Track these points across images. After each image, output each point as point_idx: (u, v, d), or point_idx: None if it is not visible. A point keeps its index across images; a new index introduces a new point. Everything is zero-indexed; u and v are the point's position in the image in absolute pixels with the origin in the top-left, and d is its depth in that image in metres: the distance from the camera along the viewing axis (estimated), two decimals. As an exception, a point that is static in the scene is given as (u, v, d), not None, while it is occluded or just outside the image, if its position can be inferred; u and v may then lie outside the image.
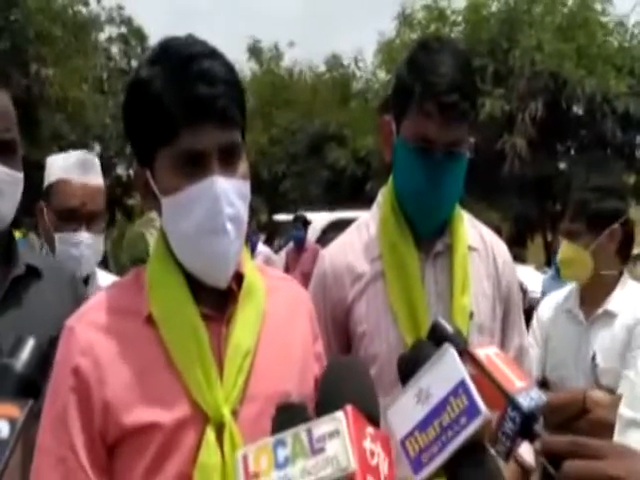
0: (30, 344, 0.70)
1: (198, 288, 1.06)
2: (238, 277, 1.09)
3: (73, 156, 2.00)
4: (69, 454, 0.99)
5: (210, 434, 0.99)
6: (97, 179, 1.99)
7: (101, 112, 13.85)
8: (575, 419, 1.98)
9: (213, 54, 1.02)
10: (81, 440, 1.00)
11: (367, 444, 0.68)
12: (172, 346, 1.02)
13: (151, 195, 1.05)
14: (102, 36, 15.35)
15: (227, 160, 1.01)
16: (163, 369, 1.01)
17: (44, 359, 0.71)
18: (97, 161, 2.05)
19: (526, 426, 0.77)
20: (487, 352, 0.82)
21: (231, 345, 1.04)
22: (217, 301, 1.07)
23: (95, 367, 1.01)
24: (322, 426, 0.68)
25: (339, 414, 0.69)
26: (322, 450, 0.67)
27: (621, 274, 2.19)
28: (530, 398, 0.78)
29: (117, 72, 15.47)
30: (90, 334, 1.03)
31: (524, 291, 3.62)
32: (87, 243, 1.91)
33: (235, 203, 1.01)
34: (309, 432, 0.68)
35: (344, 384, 0.76)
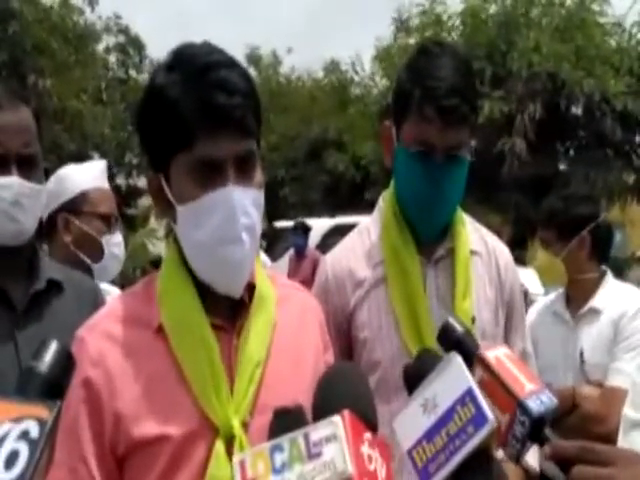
0: (53, 347, 0.71)
1: (209, 298, 1.05)
2: (249, 287, 1.08)
3: (96, 166, 2.08)
4: (80, 465, 0.99)
5: (220, 446, 0.98)
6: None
7: (100, 122, 13.88)
8: (566, 415, 1.99)
9: (232, 63, 1.03)
10: (92, 451, 0.99)
11: (365, 449, 0.68)
12: (182, 357, 1.01)
13: (165, 202, 1.05)
14: (100, 46, 15.41)
15: (243, 169, 1.01)
16: (173, 381, 1.01)
17: (68, 361, 0.72)
18: None
19: (536, 430, 0.76)
20: (497, 354, 0.81)
21: (242, 356, 1.03)
22: (228, 312, 1.07)
23: (106, 378, 1.00)
24: (319, 430, 0.68)
25: (336, 418, 0.68)
26: (319, 455, 0.66)
27: (604, 273, 2.23)
28: (540, 402, 0.77)
29: (115, 82, 15.51)
30: (101, 345, 1.02)
31: (525, 293, 3.63)
32: (121, 243, 2.06)
33: (251, 213, 1.01)
34: (306, 437, 0.68)
35: (340, 389, 0.76)
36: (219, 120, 0.98)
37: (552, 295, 2.37)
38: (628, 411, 1.30)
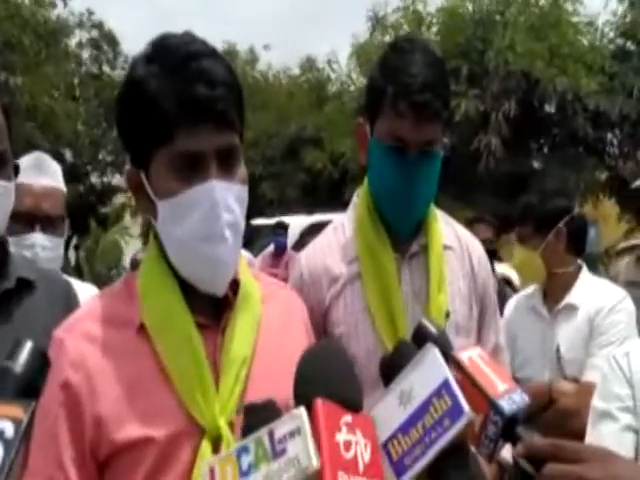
0: (28, 346, 0.70)
1: (192, 296, 1.03)
2: (234, 284, 1.06)
3: (27, 159, 1.93)
4: (58, 473, 0.96)
5: (206, 447, 0.96)
6: (54, 181, 1.95)
7: (73, 119, 13.67)
8: (543, 410, 2.02)
9: (213, 54, 1.00)
10: (71, 457, 0.96)
11: (341, 436, 0.66)
12: (166, 357, 0.99)
13: (145, 198, 1.02)
14: (73, 41, 15.17)
15: (225, 164, 0.99)
16: (157, 381, 0.98)
17: (42, 361, 0.71)
18: (55, 165, 1.99)
19: (508, 429, 0.76)
20: (470, 354, 0.81)
21: (227, 354, 1.01)
22: (212, 309, 1.04)
23: (86, 381, 0.97)
24: (283, 426, 0.66)
25: (299, 411, 0.66)
26: (284, 452, 0.64)
27: (580, 268, 2.26)
28: (512, 401, 0.77)
29: (88, 78, 15.29)
30: (81, 346, 0.99)
31: (508, 282, 3.66)
32: (42, 245, 1.86)
33: (234, 209, 0.99)
34: (271, 434, 0.66)
35: (315, 374, 0.73)
36: (200, 113, 0.95)
37: (529, 290, 2.39)
38: (596, 402, 1.33)
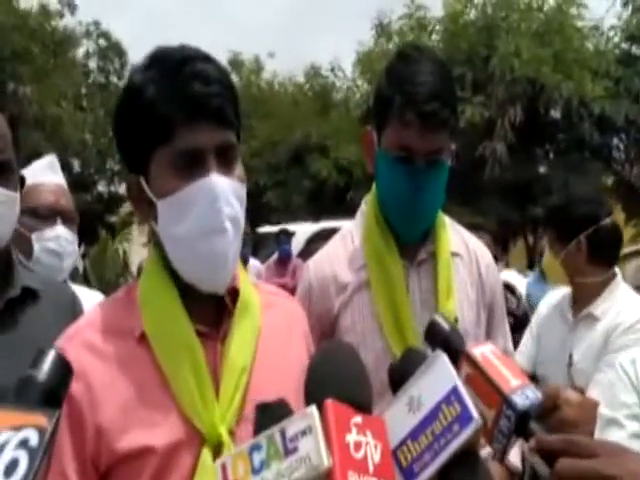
0: (52, 355, 0.71)
1: (193, 303, 1.03)
2: (233, 292, 1.07)
3: (42, 161, 2.00)
4: None
5: (206, 455, 0.96)
6: (63, 180, 2.03)
7: (80, 128, 13.75)
8: (547, 414, 1.99)
9: (206, 57, 1.02)
10: (73, 468, 0.96)
11: (351, 437, 0.66)
12: (166, 366, 0.99)
13: (145, 203, 1.02)
14: (80, 51, 15.28)
15: (224, 160, 1.00)
16: (157, 390, 0.99)
17: (65, 369, 0.72)
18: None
19: (521, 424, 0.77)
20: (483, 350, 0.81)
21: (227, 363, 1.01)
22: (212, 318, 1.05)
23: (87, 391, 0.97)
24: (295, 424, 0.66)
25: (311, 409, 0.66)
26: (295, 450, 0.65)
27: (611, 277, 2.16)
28: (525, 396, 0.77)
29: (95, 87, 15.38)
30: (81, 356, 0.99)
31: (518, 297, 3.60)
32: (65, 237, 1.91)
33: (233, 203, 1.00)
34: (282, 432, 0.67)
35: (325, 375, 0.73)
36: (197, 110, 0.97)
37: (565, 290, 2.31)
38: (604, 410, 1.32)
